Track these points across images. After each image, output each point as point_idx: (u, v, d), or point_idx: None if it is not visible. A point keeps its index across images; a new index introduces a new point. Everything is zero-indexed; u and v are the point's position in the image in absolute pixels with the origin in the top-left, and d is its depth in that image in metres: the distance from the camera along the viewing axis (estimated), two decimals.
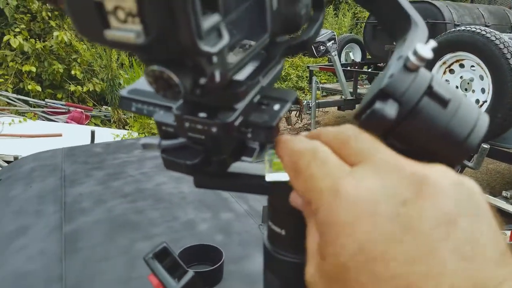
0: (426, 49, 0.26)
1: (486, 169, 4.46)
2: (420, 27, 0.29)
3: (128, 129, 5.05)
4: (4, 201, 1.39)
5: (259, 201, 1.27)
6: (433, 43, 0.28)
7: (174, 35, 0.19)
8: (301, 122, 5.98)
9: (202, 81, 0.22)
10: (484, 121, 0.27)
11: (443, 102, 0.26)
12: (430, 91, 0.26)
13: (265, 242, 0.34)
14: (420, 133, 0.26)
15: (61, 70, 5.74)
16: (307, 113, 5.52)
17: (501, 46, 2.75)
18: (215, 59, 0.21)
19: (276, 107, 0.28)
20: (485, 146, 2.18)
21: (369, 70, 6.50)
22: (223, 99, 0.26)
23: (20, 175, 1.60)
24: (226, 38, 0.21)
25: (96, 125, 5.28)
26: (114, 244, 1.02)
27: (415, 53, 0.26)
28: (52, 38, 5.64)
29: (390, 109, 0.25)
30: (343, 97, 5.67)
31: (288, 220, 0.31)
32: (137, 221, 1.13)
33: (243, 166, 0.33)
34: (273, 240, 0.33)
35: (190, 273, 0.39)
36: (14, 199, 1.38)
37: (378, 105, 0.26)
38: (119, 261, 0.95)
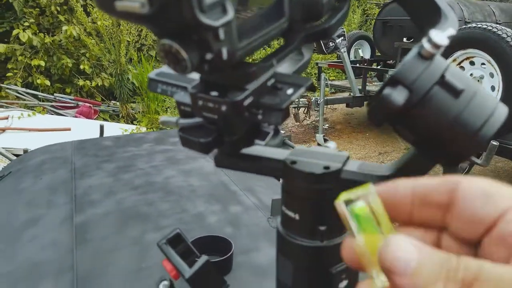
0: (442, 36, 0.25)
1: (494, 167, 4.43)
2: (449, 20, 0.29)
3: (136, 124, 5.07)
4: (15, 193, 1.41)
5: (268, 195, 1.28)
6: (451, 31, 0.28)
7: (176, 7, 0.19)
8: (309, 119, 5.97)
9: (208, 56, 0.23)
10: (500, 113, 0.26)
11: (455, 92, 0.25)
12: (442, 80, 0.25)
13: (278, 226, 0.34)
14: (430, 123, 0.26)
15: (70, 65, 5.79)
16: (315, 110, 5.51)
17: None
18: (222, 35, 0.22)
19: (290, 91, 0.28)
20: (494, 143, 2.16)
21: (378, 67, 6.46)
22: (234, 79, 0.27)
23: (30, 168, 1.61)
24: (230, 14, 0.21)
25: (104, 120, 5.31)
26: (124, 235, 1.03)
27: (430, 40, 0.25)
28: (61, 32, 5.68)
29: (398, 95, 0.25)
30: (351, 94, 5.65)
31: (302, 205, 0.32)
32: (147, 213, 1.14)
33: (261, 149, 0.33)
34: (286, 224, 0.33)
35: (204, 258, 0.39)
36: (25, 191, 1.40)
37: (386, 90, 0.26)
38: (130, 252, 0.96)
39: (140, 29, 5.66)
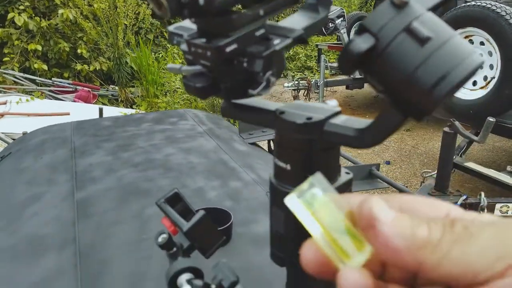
0: None
1: (492, 147, 4.44)
2: None
3: (136, 109, 5.07)
4: (16, 172, 1.42)
5: (266, 171, 1.29)
6: None
7: None
8: (309, 101, 5.96)
9: (184, 0, 0.24)
10: (470, 63, 0.24)
11: (420, 40, 0.24)
12: (408, 28, 0.24)
13: (271, 179, 0.35)
14: (394, 72, 0.25)
15: (67, 49, 5.74)
16: (315, 92, 5.49)
17: (511, 21, 2.70)
18: None
19: (276, 41, 0.29)
20: (491, 119, 2.16)
21: None
22: (218, 27, 0.28)
23: (30, 148, 1.62)
24: None
25: (103, 104, 5.30)
26: (125, 209, 1.05)
27: None
28: (57, 16, 5.62)
29: (361, 42, 0.25)
30: (351, 75, 5.63)
31: (291, 155, 0.33)
32: (147, 188, 1.15)
33: (259, 100, 0.34)
34: (278, 175, 0.34)
35: (201, 212, 0.41)
36: (26, 170, 1.41)
37: (352, 37, 0.26)
38: (131, 224, 0.98)
39: (137, 11, 5.60)
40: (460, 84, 0.24)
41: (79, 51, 5.76)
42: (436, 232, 0.20)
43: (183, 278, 0.37)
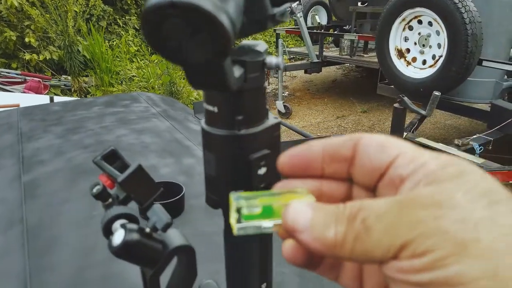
0: None
1: (444, 124, 4.67)
2: None
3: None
4: None
5: None
6: None
7: None
8: (269, 86, 5.99)
9: None
10: None
11: None
12: None
13: (203, 126, 0.36)
14: None
15: (14, 38, 5.44)
16: (274, 77, 5.53)
17: (456, 0, 2.82)
18: None
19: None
20: (436, 93, 2.27)
21: (335, 32, 6.53)
22: None
23: None
24: None
25: (56, 94, 5.08)
26: (74, 188, 1.03)
27: None
28: (1, 3, 5.30)
29: None
30: (309, 60, 5.70)
31: (219, 97, 0.34)
32: (97, 168, 1.13)
33: None
34: (208, 119, 0.35)
35: (136, 163, 0.41)
36: None
37: None
38: (80, 203, 0.96)
39: None
40: None
41: (27, 40, 5.47)
42: (340, 231, 0.22)
43: (118, 223, 0.37)
